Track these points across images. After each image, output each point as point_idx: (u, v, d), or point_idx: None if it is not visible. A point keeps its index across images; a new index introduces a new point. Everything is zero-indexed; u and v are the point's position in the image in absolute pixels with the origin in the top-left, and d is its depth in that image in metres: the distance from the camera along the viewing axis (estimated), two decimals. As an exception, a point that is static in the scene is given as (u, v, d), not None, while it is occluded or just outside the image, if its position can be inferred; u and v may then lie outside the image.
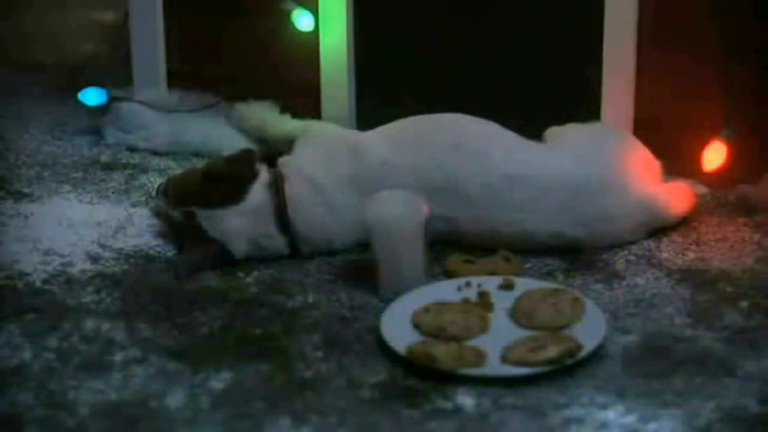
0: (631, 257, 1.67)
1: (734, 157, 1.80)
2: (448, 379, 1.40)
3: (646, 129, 1.85)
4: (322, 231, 1.69)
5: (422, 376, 1.41)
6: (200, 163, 1.83)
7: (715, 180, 1.82)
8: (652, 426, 1.32)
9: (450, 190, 1.67)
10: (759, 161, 1.81)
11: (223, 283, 1.64)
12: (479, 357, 1.43)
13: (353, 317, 1.55)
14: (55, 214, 1.83)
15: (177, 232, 1.73)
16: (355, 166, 1.70)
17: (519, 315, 1.52)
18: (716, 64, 1.82)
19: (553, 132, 1.77)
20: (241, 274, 1.66)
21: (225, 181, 1.68)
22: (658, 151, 1.76)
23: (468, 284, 1.59)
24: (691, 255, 1.67)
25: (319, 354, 1.47)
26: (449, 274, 1.64)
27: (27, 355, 1.48)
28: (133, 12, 2.10)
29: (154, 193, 1.81)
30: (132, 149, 2.05)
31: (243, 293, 1.61)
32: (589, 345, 1.44)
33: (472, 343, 1.47)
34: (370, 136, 1.75)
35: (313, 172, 1.70)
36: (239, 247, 1.67)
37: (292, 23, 2.01)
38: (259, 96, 2.01)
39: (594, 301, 1.55)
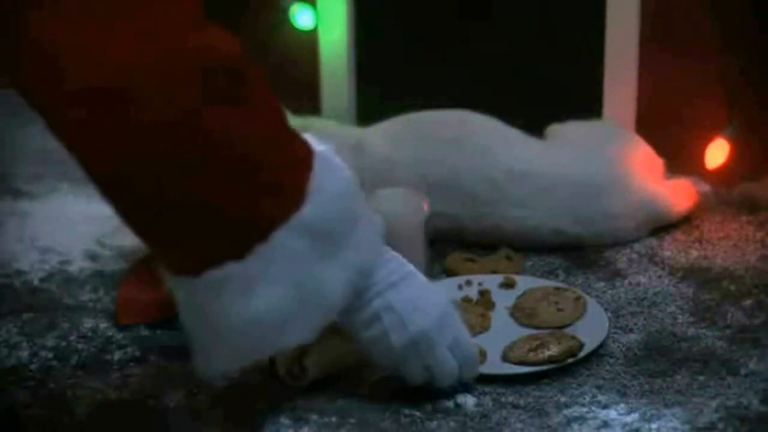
0: (633, 255, 1.66)
1: (737, 155, 1.79)
2: (449, 378, 1.39)
3: (648, 126, 1.85)
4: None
5: (423, 375, 1.41)
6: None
7: (717, 178, 1.81)
8: (654, 425, 1.31)
9: (451, 186, 1.66)
10: (762, 158, 1.80)
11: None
12: (480, 356, 1.42)
13: (353, 316, 1.54)
14: (54, 212, 1.82)
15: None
16: (355, 163, 1.69)
17: (520, 313, 1.51)
18: (719, 61, 1.81)
19: (554, 129, 1.76)
20: (240, 273, 1.65)
21: None
22: (660, 148, 1.75)
23: (469, 282, 1.59)
24: (694, 253, 1.66)
25: (319, 353, 1.46)
26: (450, 273, 1.64)
27: (24, 354, 1.47)
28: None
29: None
30: (131, 146, 2.04)
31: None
32: (590, 344, 1.43)
33: (473, 341, 1.46)
34: (371, 133, 1.74)
35: (313, 169, 1.69)
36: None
37: (291, 20, 2.00)
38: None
39: (596, 299, 1.54)
